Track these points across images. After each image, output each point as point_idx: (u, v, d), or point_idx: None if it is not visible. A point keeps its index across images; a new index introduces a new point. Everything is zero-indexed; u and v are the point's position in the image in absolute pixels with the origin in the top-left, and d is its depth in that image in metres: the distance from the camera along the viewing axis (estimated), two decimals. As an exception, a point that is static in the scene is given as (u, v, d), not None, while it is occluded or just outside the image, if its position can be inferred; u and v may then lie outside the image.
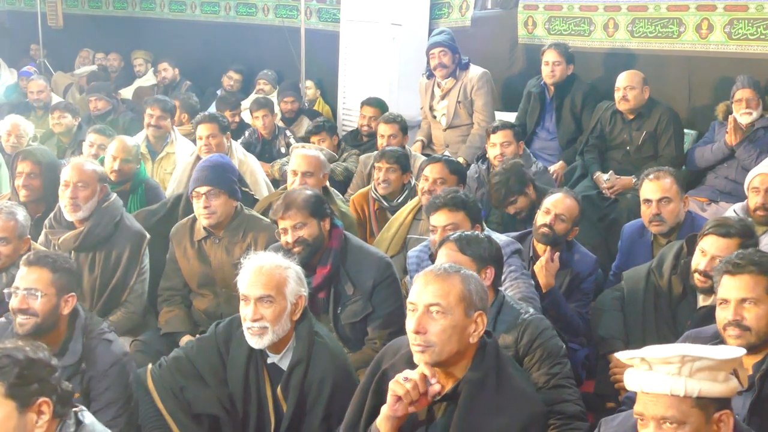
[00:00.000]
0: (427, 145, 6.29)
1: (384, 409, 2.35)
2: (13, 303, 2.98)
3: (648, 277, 3.51)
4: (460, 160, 5.47)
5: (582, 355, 3.71)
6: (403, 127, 5.48)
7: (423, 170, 4.35)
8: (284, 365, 2.91)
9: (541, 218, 3.89)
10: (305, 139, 5.98)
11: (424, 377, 2.32)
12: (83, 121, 6.64)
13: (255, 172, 5.31)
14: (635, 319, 3.48)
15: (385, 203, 4.66)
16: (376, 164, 4.68)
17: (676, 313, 3.40)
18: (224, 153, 4.91)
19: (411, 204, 4.44)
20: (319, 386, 2.84)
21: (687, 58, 5.64)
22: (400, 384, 2.31)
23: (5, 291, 3.14)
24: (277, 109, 6.82)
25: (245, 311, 2.83)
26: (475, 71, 5.95)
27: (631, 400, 2.39)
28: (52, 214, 4.05)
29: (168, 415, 2.94)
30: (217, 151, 4.93)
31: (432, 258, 3.44)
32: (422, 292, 2.37)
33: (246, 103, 7.28)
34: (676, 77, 5.73)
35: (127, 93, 8.79)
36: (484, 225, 3.70)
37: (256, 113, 6.37)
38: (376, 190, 4.68)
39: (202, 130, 5.15)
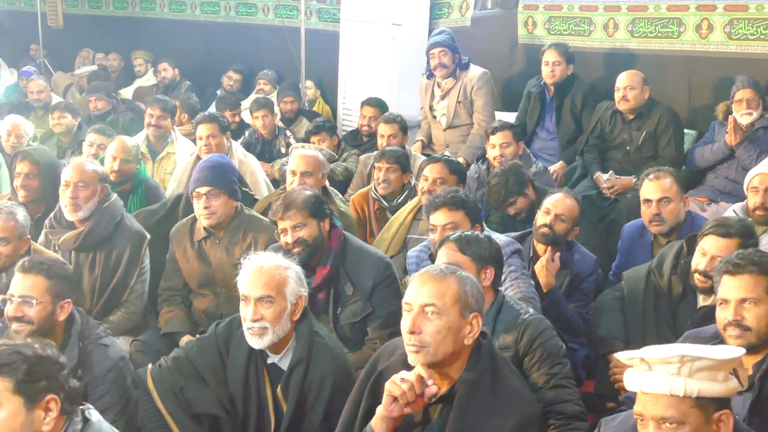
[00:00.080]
0: (427, 145, 6.29)
1: (379, 410, 2.34)
2: (8, 311, 2.96)
3: (648, 277, 3.50)
4: (460, 160, 5.47)
5: (582, 355, 3.71)
6: (403, 127, 5.48)
7: (423, 170, 4.35)
8: (284, 365, 2.91)
9: (541, 218, 3.89)
10: (305, 139, 5.98)
11: (421, 378, 2.31)
12: (83, 121, 6.63)
13: (255, 172, 5.30)
14: (635, 319, 3.48)
15: (385, 203, 4.66)
16: (376, 164, 4.68)
17: (676, 313, 3.40)
18: (224, 153, 4.91)
19: (411, 204, 4.44)
20: (319, 386, 2.84)
21: (687, 58, 5.63)
22: (396, 385, 2.30)
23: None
24: (277, 109, 6.82)
25: (245, 311, 2.83)
26: (475, 71, 5.95)
27: (631, 400, 2.39)
28: (52, 214, 4.05)
29: (168, 415, 2.94)
30: (217, 151, 4.93)
31: (432, 258, 3.44)
32: (418, 293, 2.36)
33: (246, 103, 7.28)
34: (676, 77, 5.72)
35: (127, 93, 8.79)
36: (484, 225, 3.70)
37: (256, 113, 6.36)
38: (376, 190, 4.68)
39: (202, 130, 5.15)
